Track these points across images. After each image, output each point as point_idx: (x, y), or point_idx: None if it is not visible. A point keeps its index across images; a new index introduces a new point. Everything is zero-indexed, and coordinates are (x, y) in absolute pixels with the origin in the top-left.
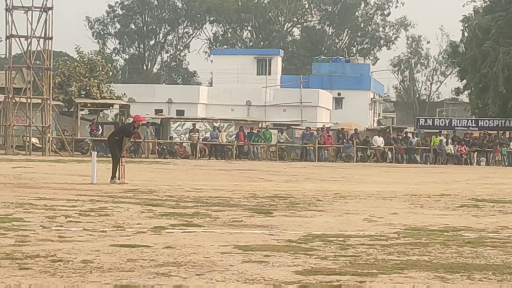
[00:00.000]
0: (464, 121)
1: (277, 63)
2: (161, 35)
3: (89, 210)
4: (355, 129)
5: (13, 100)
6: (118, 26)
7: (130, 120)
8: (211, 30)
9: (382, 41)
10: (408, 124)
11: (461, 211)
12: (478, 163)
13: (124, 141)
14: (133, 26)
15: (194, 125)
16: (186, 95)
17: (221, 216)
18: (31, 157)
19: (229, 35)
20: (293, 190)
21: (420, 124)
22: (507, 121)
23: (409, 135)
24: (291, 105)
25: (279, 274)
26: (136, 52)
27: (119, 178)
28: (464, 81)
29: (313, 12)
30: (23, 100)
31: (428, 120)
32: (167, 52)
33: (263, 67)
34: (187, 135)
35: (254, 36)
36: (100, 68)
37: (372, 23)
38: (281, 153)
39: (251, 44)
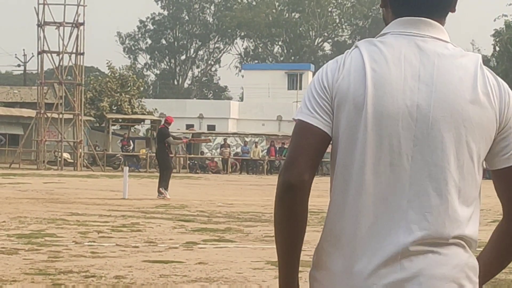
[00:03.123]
0: None
1: (308, 78)
2: (192, 50)
3: (121, 226)
4: None
5: (45, 116)
6: (149, 41)
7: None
8: (242, 45)
9: None
10: None
11: (493, 226)
12: None
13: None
14: (164, 42)
15: (225, 140)
16: (217, 110)
17: (253, 232)
18: (63, 172)
19: (260, 50)
20: (324, 205)
21: None
22: None
23: None
24: None
25: None
26: (167, 67)
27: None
28: None
29: (344, 26)
30: (55, 115)
31: None
32: (198, 67)
33: (294, 82)
34: (218, 150)
35: (285, 51)
36: (132, 84)
37: None
38: None
39: (282, 59)
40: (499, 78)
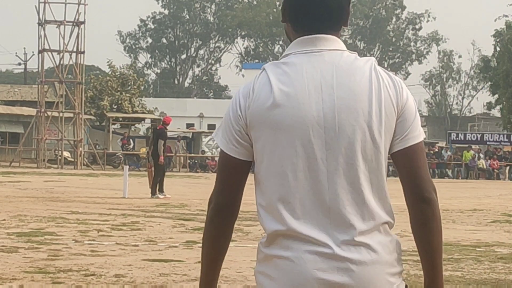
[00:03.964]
0: (496, 136)
1: None
2: (192, 49)
3: (121, 224)
4: None
5: (45, 114)
6: (149, 40)
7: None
8: (243, 44)
9: (413, 56)
10: (440, 139)
11: (493, 226)
12: (510, 178)
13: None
14: (164, 41)
15: None
16: (217, 109)
17: (252, 231)
18: (63, 171)
19: (260, 49)
20: None
21: (452, 138)
22: None
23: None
24: None
25: None
26: (168, 66)
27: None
28: (496, 95)
29: None
30: (55, 114)
31: (459, 134)
32: (198, 66)
33: None
34: (218, 149)
35: None
36: (132, 82)
37: (404, 37)
38: None
39: None
40: (392, 74)
